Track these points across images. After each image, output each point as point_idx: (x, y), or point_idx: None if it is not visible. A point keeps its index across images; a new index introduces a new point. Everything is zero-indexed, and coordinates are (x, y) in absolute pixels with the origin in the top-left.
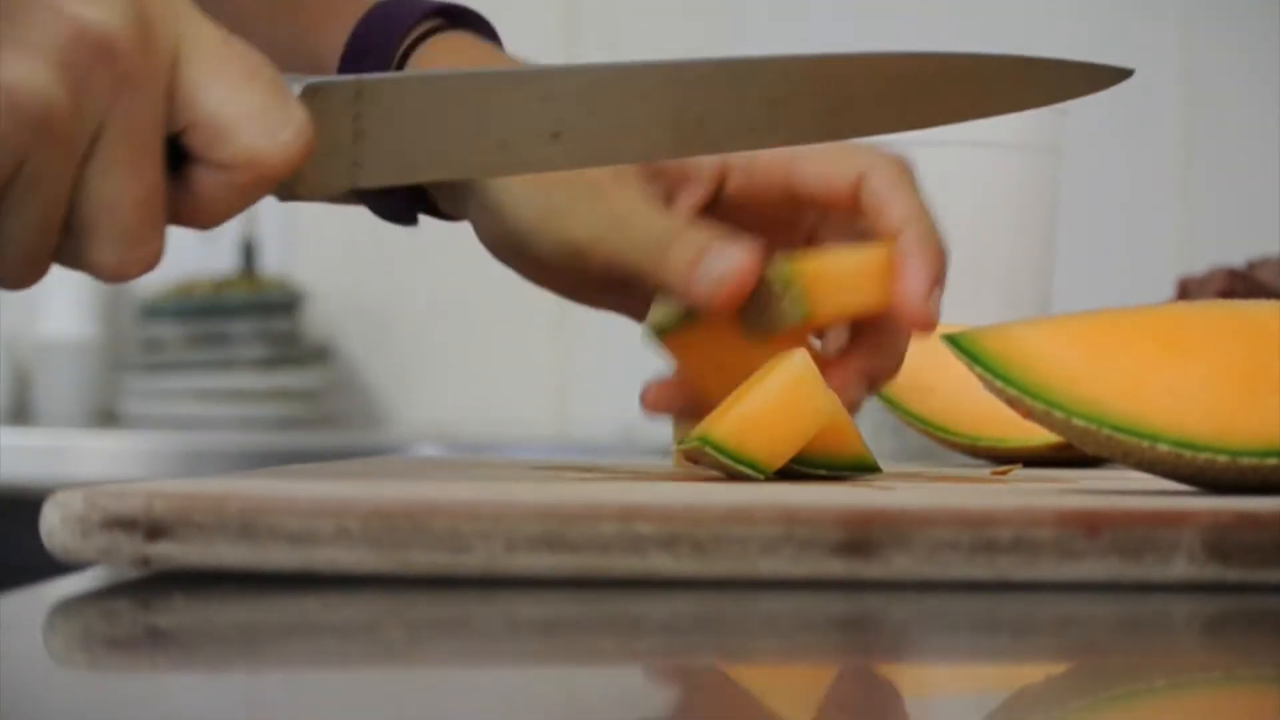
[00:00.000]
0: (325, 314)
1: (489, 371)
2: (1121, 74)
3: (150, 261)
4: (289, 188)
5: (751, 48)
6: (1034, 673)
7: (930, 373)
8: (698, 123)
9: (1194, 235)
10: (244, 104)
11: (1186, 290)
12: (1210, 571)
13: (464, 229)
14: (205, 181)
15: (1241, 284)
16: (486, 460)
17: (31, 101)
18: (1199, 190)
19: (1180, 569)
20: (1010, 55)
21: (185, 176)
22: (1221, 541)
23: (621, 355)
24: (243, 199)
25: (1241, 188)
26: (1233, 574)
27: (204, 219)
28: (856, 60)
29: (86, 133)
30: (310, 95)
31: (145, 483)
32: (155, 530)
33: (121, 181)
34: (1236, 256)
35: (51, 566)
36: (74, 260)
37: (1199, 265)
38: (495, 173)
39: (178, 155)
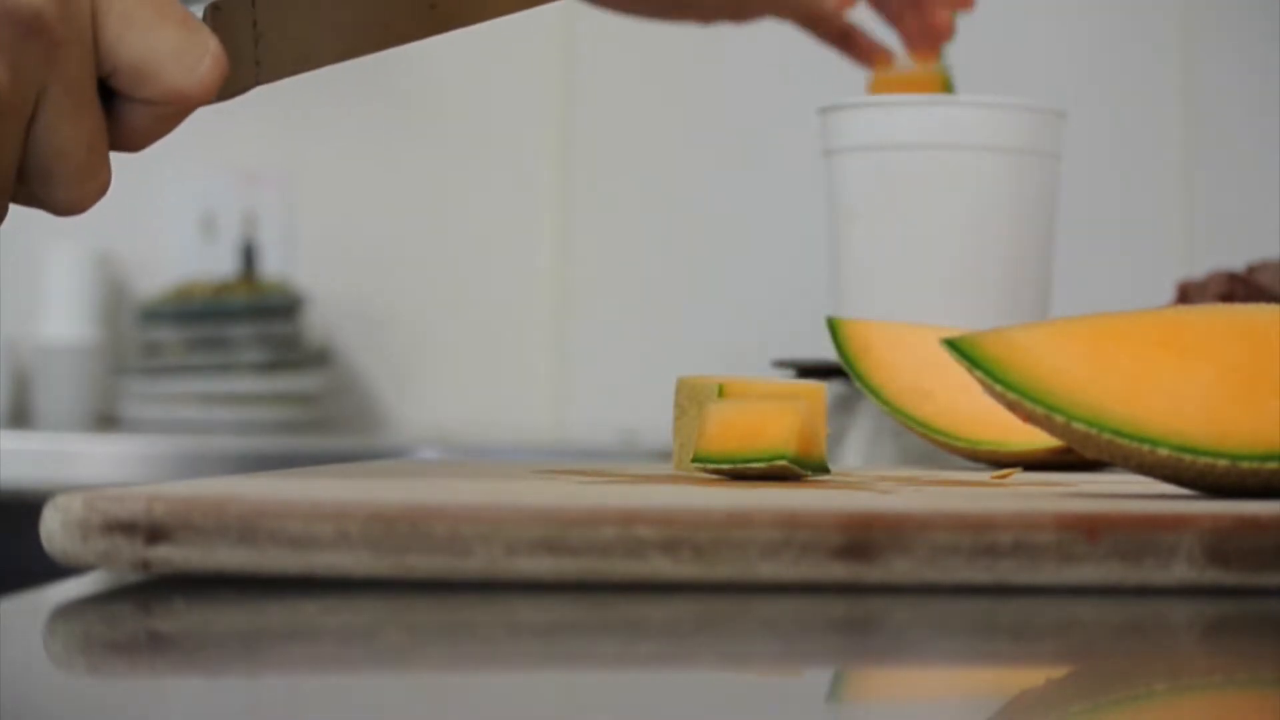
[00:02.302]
0: (325, 317)
1: (489, 375)
2: None
3: (102, 191)
4: None
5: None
6: (1034, 677)
7: (930, 377)
8: None
9: (1194, 238)
10: (161, 46)
11: (1186, 294)
12: (1210, 575)
13: (467, 234)
14: (134, 115)
15: (1241, 287)
16: (486, 464)
17: None
18: (1199, 193)
19: (1180, 573)
20: None
21: (115, 110)
22: (1221, 546)
23: (621, 359)
24: (170, 125)
25: (1242, 190)
26: (1232, 578)
27: (136, 145)
28: None
29: (29, 100)
30: (214, 13)
31: (145, 486)
32: (155, 534)
33: (69, 131)
34: (1236, 260)
35: (51, 570)
36: (31, 202)
37: (1199, 269)
38: (379, 48)
39: (105, 91)
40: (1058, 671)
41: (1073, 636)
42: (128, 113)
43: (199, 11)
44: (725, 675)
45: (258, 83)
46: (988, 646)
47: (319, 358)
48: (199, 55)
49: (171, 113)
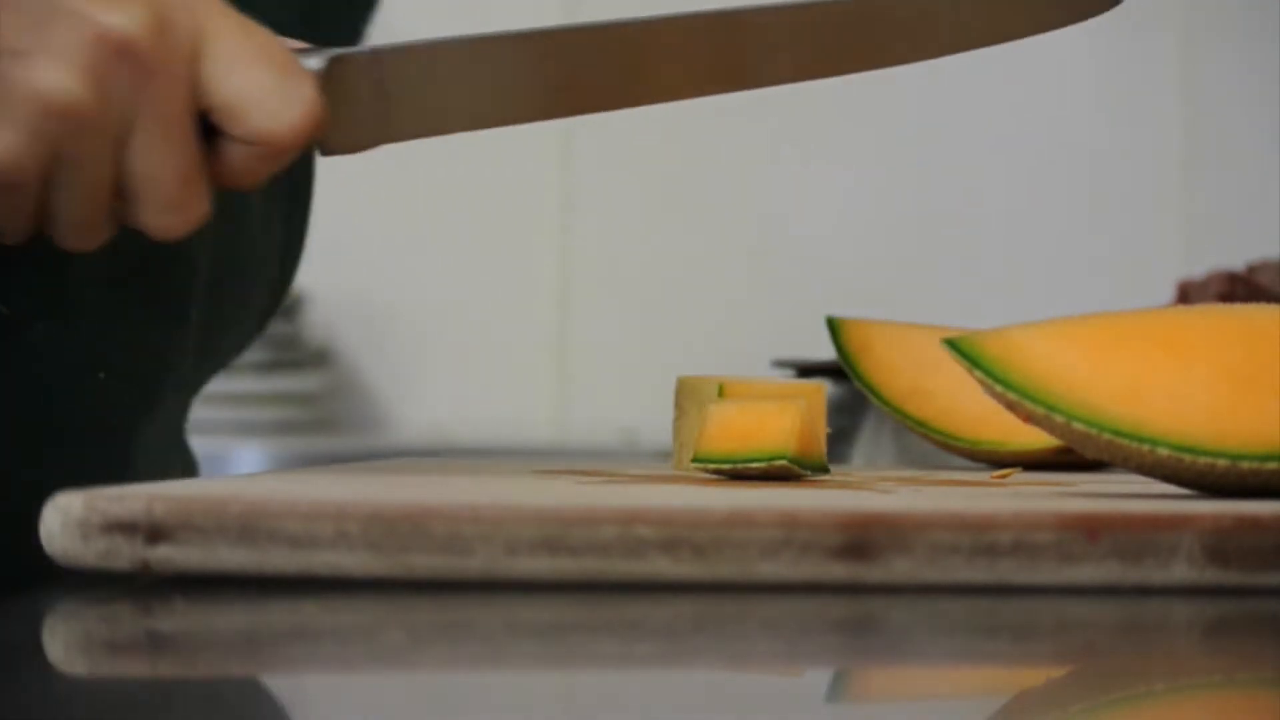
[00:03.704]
0: (325, 317)
1: (489, 375)
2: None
3: (194, 222)
4: (323, 147)
5: None
6: (1034, 676)
7: (930, 377)
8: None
9: (1194, 238)
10: (255, 88)
11: (1186, 293)
12: (1210, 575)
13: (468, 234)
14: (233, 152)
15: (1241, 287)
16: (486, 464)
17: (60, 103)
18: (1199, 192)
19: (1180, 573)
20: None
21: (219, 146)
22: (1221, 545)
23: (621, 358)
24: (269, 166)
25: (1241, 190)
26: (1232, 578)
27: (240, 183)
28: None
29: (116, 121)
30: (334, 63)
31: (145, 486)
32: (155, 534)
33: (159, 158)
34: (1236, 260)
35: (52, 570)
36: (129, 222)
37: (1198, 268)
38: (509, 123)
39: (212, 128)
40: (1058, 671)
41: (1073, 636)
42: (228, 150)
43: (322, 60)
44: (725, 675)
45: (386, 140)
46: (987, 646)
47: (319, 358)
48: (291, 101)
49: (268, 154)
